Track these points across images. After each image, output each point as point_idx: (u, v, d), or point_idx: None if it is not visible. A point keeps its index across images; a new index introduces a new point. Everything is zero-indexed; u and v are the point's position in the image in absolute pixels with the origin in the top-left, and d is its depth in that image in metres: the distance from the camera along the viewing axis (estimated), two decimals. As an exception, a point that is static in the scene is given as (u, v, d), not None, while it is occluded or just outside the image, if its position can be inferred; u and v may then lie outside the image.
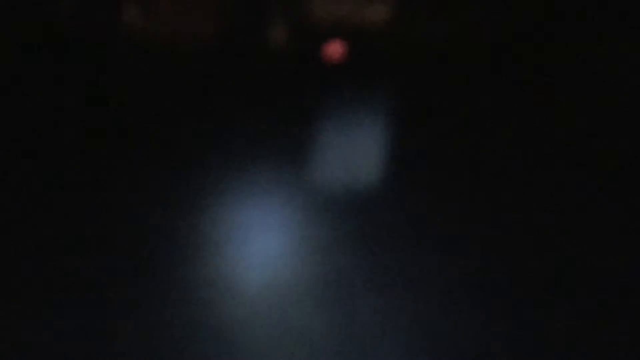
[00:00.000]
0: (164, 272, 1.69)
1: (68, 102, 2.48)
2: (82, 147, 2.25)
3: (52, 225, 1.83)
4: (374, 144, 2.46)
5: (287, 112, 2.64)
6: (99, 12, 2.50)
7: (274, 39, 2.86)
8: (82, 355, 1.41)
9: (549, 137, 2.50)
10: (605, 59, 2.72)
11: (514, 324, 1.55)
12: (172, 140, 2.44)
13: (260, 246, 1.82)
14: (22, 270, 1.65)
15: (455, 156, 2.38)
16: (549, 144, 2.46)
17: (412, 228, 1.93)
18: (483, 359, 1.45)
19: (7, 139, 2.17)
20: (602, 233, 1.90)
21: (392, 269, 1.74)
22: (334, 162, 2.31)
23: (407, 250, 1.82)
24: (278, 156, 2.31)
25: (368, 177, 2.23)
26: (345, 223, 1.95)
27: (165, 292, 1.62)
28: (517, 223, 1.95)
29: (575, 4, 2.88)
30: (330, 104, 2.76)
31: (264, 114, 2.60)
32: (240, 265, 1.74)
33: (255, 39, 2.85)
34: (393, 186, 2.18)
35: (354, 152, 2.40)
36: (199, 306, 1.58)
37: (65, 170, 2.09)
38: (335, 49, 2.02)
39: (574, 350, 1.45)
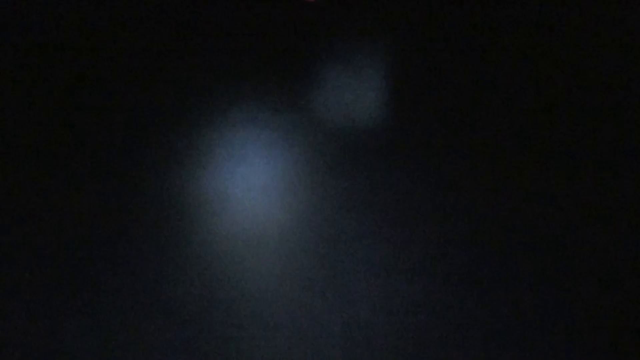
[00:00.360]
0: (161, 223, 1.68)
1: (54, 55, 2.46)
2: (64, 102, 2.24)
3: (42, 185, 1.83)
4: (373, 86, 2.45)
5: (286, 56, 2.62)
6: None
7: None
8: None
9: (545, 93, 2.47)
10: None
11: (517, 283, 1.56)
12: (172, 81, 2.41)
13: (260, 190, 1.81)
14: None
15: (456, 103, 2.35)
16: (545, 99, 2.43)
17: (412, 169, 1.93)
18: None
19: None
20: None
21: (391, 212, 1.73)
22: (332, 105, 2.28)
23: (406, 192, 1.81)
24: (276, 101, 2.29)
25: (368, 120, 2.21)
26: (345, 168, 1.92)
27: (162, 247, 1.61)
28: (519, 174, 1.93)
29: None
30: (329, 47, 2.74)
31: (262, 58, 2.58)
32: (239, 211, 1.73)
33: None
34: (392, 127, 2.18)
35: (353, 94, 2.38)
36: (195, 261, 1.59)
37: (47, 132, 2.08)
38: None
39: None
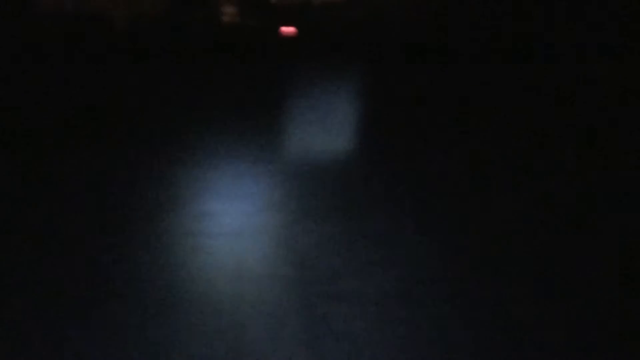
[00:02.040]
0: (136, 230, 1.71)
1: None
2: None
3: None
4: (347, 114, 2.41)
5: (263, 84, 2.58)
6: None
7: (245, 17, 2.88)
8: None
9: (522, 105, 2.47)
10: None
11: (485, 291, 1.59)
12: (151, 109, 2.37)
13: (235, 215, 1.76)
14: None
15: (432, 126, 2.34)
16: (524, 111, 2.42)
17: (387, 196, 1.88)
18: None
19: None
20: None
21: (368, 236, 1.68)
22: (308, 134, 2.23)
23: (381, 218, 1.75)
24: (254, 130, 2.24)
25: (343, 147, 2.19)
26: (320, 192, 1.88)
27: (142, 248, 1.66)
28: (495, 190, 1.93)
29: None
30: (305, 76, 2.70)
31: (240, 88, 2.53)
32: (215, 232, 1.71)
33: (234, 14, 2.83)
34: (368, 155, 2.15)
35: (329, 122, 2.34)
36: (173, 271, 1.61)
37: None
38: (289, 30, 2.05)
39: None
